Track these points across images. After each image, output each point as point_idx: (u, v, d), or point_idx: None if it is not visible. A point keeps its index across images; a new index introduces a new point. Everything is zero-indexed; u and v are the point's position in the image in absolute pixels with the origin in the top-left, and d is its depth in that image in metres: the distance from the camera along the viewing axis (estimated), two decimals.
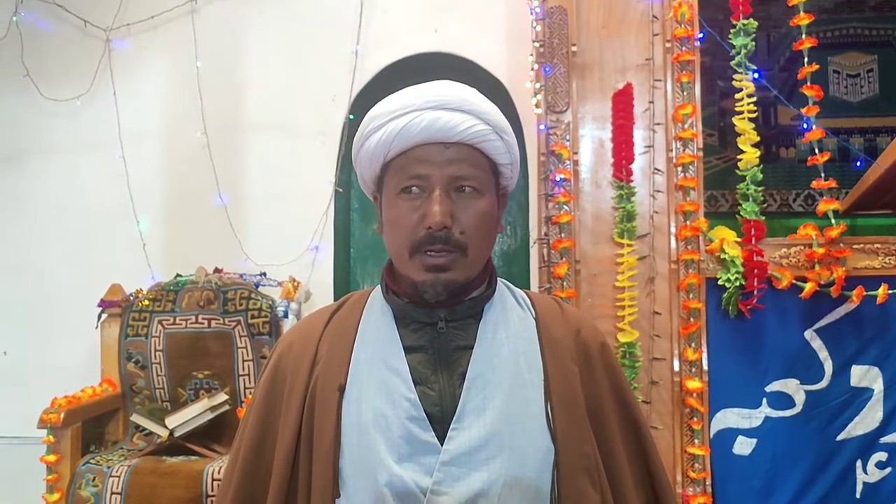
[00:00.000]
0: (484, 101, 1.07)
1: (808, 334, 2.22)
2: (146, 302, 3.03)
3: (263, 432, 1.08)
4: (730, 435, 2.24)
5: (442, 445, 0.97)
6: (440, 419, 0.99)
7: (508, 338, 1.06)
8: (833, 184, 2.22)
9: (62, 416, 2.59)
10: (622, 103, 2.31)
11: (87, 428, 2.81)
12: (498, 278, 1.14)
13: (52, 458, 2.61)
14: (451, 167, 1.02)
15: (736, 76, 2.28)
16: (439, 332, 1.05)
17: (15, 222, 3.51)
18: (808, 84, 2.22)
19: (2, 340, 3.47)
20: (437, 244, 1.01)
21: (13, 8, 3.49)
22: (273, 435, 1.07)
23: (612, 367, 1.13)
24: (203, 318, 2.98)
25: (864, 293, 2.14)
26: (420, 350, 1.05)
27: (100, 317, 3.06)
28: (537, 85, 2.38)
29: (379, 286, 1.14)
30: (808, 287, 2.16)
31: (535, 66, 2.39)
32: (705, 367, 2.20)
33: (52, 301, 3.40)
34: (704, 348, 2.21)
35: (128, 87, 3.45)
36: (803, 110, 2.23)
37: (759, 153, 2.26)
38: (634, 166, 2.30)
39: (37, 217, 3.49)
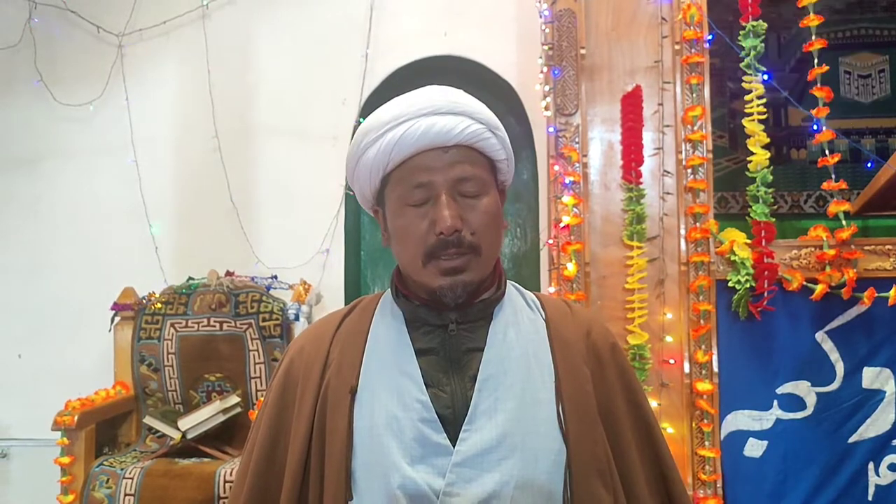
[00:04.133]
0: (473, 100, 1.08)
1: (820, 336, 2.21)
2: (159, 305, 3.06)
3: (275, 436, 1.09)
4: (741, 437, 2.23)
5: (454, 447, 0.98)
6: (452, 421, 0.99)
7: (519, 339, 1.06)
8: (844, 185, 2.21)
9: (76, 418, 2.62)
10: (631, 105, 2.31)
11: (101, 430, 2.84)
12: (508, 281, 1.14)
13: (66, 459, 2.63)
14: (453, 170, 1.03)
15: (746, 78, 2.28)
16: (450, 335, 1.06)
17: (28, 226, 3.55)
18: (819, 85, 2.21)
19: (16, 343, 3.50)
20: (450, 248, 1.01)
21: (27, 14, 3.53)
22: (285, 439, 1.08)
23: (623, 368, 1.12)
24: (215, 321, 3.00)
25: (876, 295, 2.13)
26: (431, 353, 1.05)
27: (113, 320, 3.10)
28: (546, 88, 2.39)
29: (389, 290, 1.15)
30: (819, 289, 2.15)
31: (545, 69, 2.40)
32: (715, 369, 2.20)
33: (66, 304, 3.43)
34: (715, 350, 2.21)
35: (140, 92, 3.48)
36: (814, 112, 2.22)
37: (769, 155, 2.25)
38: (644, 168, 2.30)
39: (50, 221, 3.53)
